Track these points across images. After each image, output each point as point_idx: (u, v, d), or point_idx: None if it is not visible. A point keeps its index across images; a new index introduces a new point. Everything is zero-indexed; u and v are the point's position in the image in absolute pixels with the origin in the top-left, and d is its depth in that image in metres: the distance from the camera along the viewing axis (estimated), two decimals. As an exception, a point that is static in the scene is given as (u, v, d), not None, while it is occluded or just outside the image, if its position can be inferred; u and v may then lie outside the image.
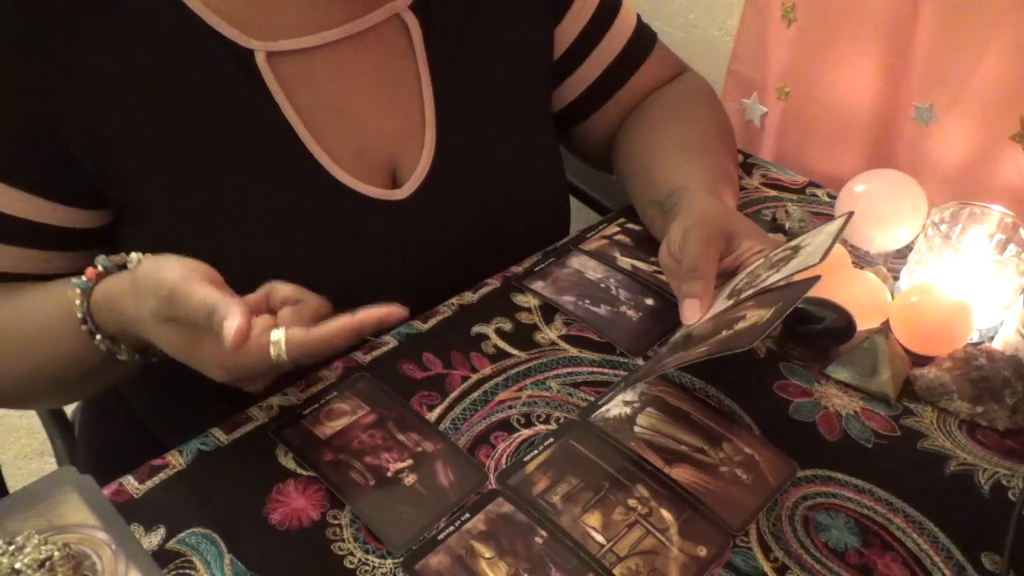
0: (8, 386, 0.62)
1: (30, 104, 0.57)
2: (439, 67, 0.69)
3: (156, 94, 0.59)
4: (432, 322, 0.67)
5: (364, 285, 0.66)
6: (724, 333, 0.55)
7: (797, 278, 0.55)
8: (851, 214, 0.61)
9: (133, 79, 0.58)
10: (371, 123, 0.67)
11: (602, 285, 0.71)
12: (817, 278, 0.53)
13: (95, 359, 0.58)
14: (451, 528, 0.52)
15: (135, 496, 0.53)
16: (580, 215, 0.92)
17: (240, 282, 0.57)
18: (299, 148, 0.63)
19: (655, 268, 0.73)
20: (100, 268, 0.56)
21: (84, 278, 0.55)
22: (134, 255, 0.56)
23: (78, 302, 0.55)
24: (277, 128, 0.62)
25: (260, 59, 0.61)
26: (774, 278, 0.56)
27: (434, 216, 0.69)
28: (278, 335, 0.49)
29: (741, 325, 0.54)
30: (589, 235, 0.78)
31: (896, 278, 0.73)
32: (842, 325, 0.64)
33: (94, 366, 0.59)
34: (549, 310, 0.69)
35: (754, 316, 0.54)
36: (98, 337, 0.56)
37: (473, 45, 0.72)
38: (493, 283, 0.72)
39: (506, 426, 0.59)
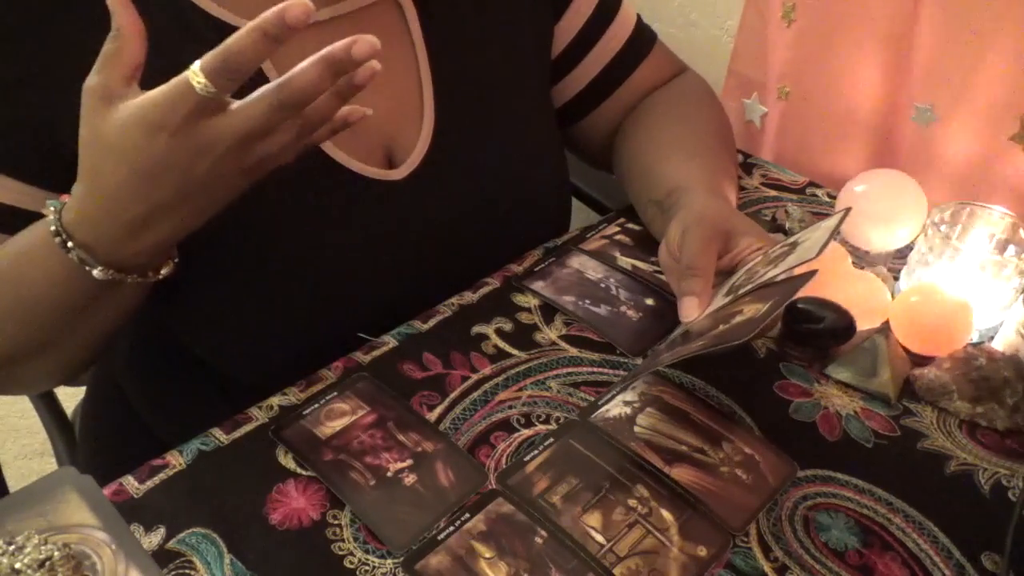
0: None
1: (22, 93, 0.57)
2: (436, 49, 0.69)
3: (147, 77, 0.59)
4: (432, 322, 0.67)
5: (360, 265, 0.66)
6: (721, 327, 0.55)
7: (794, 273, 0.55)
8: (848, 210, 0.61)
9: None
10: (366, 103, 0.67)
11: (602, 285, 0.71)
12: (814, 273, 0.53)
13: (73, 283, 0.54)
14: (451, 528, 0.52)
15: (135, 496, 0.53)
16: (580, 215, 0.92)
17: (234, 259, 0.57)
18: None
19: (655, 268, 0.73)
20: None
21: (58, 199, 0.54)
22: None
23: (51, 217, 0.53)
24: None
25: None
26: (771, 274, 0.56)
27: (431, 197, 0.69)
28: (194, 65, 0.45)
29: (738, 319, 0.54)
30: (589, 235, 0.78)
31: (896, 278, 0.73)
32: (842, 325, 0.64)
33: (74, 294, 0.56)
34: (549, 310, 0.69)
35: (751, 311, 0.54)
36: (70, 244, 0.52)
37: (471, 30, 0.72)
38: (493, 283, 0.72)
39: (506, 426, 0.59)
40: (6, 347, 0.60)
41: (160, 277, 0.56)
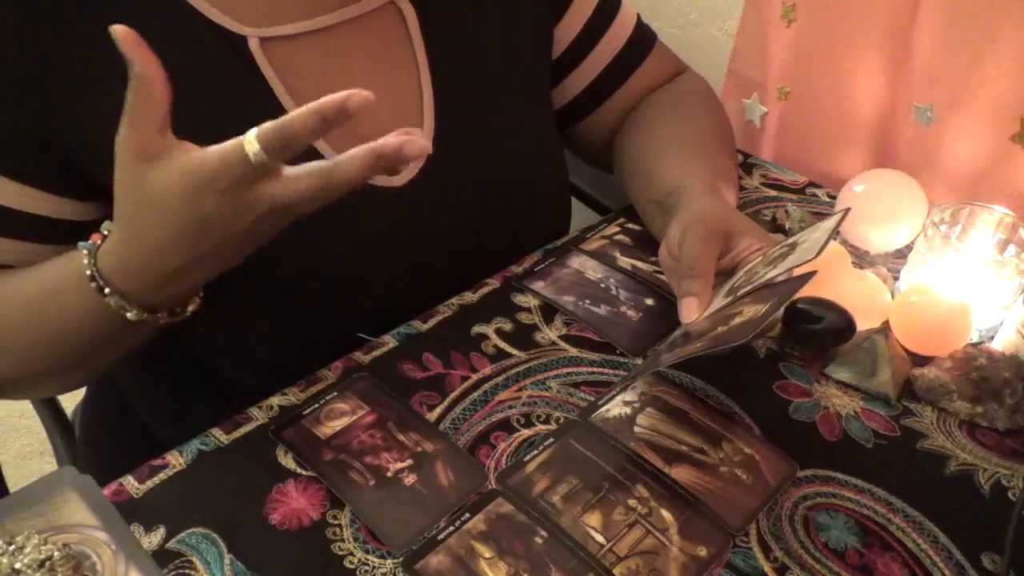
0: (15, 360, 0.61)
1: (24, 96, 0.57)
2: (437, 55, 0.69)
3: None
4: (432, 322, 0.67)
5: (360, 269, 0.66)
6: (720, 329, 0.55)
7: (793, 274, 0.55)
8: (847, 210, 0.61)
9: (126, 70, 0.58)
10: (368, 109, 0.67)
11: (602, 285, 0.71)
12: (813, 274, 0.53)
13: (104, 322, 0.56)
14: (451, 528, 0.52)
15: (135, 496, 0.53)
16: (580, 215, 0.92)
17: (236, 268, 0.57)
18: None
19: (655, 268, 0.73)
20: (105, 232, 0.55)
21: (90, 241, 0.55)
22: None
23: (85, 261, 0.54)
24: (272, 114, 0.61)
25: (253, 45, 0.61)
26: (771, 275, 0.56)
27: (432, 202, 0.68)
28: (250, 135, 0.47)
29: (737, 321, 0.54)
30: (589, 235, 0.78)
31: (896, 278, 0.73)
32: (842, 325, 0.64)
33: (102, 332, 0.57)
34: (549, 310, 0.69)
35: (750, 312, 0.54)
36: (107, 291, 0.54)
37: (471, 36, 0.72)
38: (493, 283, 0.72)
39: (506, 426, 0.59)
40: (28, 370, 0.62)
41: (187, 315, 0.58)
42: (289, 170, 0.48)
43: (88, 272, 0.54)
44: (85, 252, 0.54)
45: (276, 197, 0.48)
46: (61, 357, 0.60)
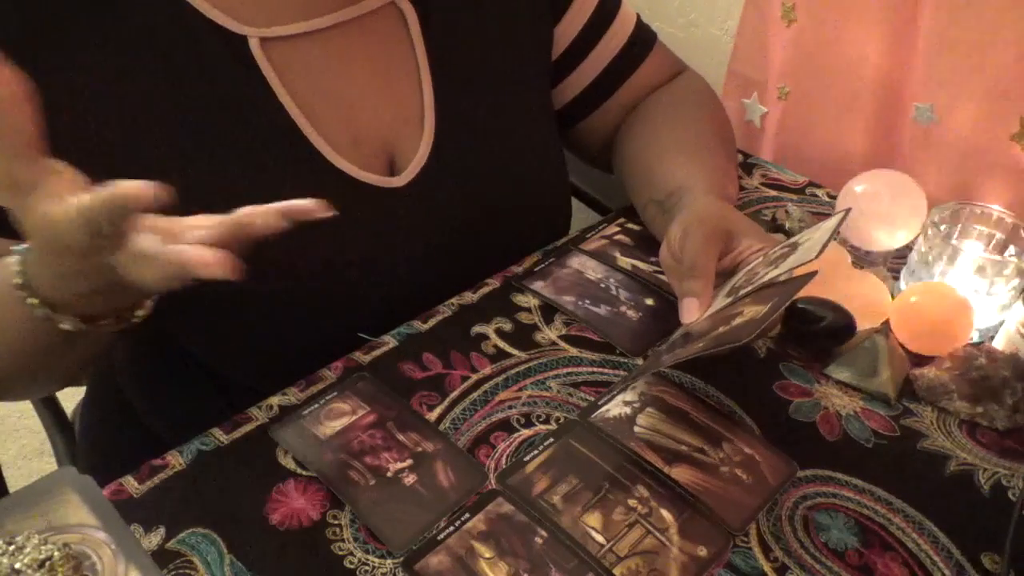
0: None
1: None
2: (437, 56, 0.69)
3: (149, 85, 0.59)
4: (432, 322, 0.67)
5: (361, 270, 0.66)
6: (720, 329, 0.55)
7: (794, 274, 0.55)
8: (848, 210, 0.61)
9: (126, 72, 0.58)
10: (368, 109, 0.67)
11: (602, 285, 0.71)
12: (814, 274, 0.54)
13: (45, 330, 0.53)
14: (451, 528, 0.52)
15: (135, 496, 0.53)
16: (580, 215, 0.92)
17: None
18: (295, 134, 0.63)
19: (655, 268, 0.73)
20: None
21: (24, 244, 0.51)
22: None
23: (17, 268, 0.51)
24: (272, 114, 0.62)
25: (254, 45, 0.61)
26: (772, 275, 0.56)
27: (433, 204, 0.69)
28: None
29: (738, 321, 0.54)
30: (589, 235, 0.78)
31: (896, 278, 0.73)
32: (842, 325, 0.64)
33: (51, 339, 0.54)
34: (549, 310, 0.69)
35: (751, 312, 0.54)
36: (32, 301, 0.50)
37: (471, 37, 0.72)
38: (493, 283, 0.72)
39: (506, 426, 0.59)
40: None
41: (136, 320, 0.55)
42: (134, 243, 0.44)
43: (19, 280, 0.50)
44: (17, 256, 0.51)
45: (120, 270, 0.45)
46: (19, 362, 0.58)
